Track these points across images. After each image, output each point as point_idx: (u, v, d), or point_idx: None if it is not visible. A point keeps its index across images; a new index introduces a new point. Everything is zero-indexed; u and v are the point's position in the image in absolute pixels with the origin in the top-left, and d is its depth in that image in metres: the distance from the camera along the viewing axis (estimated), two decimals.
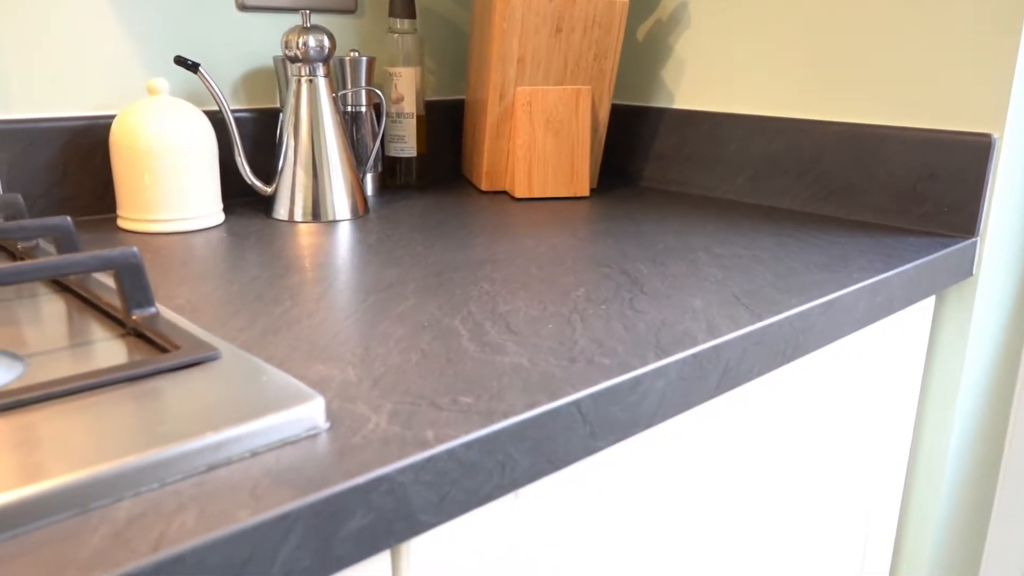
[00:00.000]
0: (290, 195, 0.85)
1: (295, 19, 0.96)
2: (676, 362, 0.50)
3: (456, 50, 1.13)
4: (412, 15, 1.00)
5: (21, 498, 0.31)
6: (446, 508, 0.40)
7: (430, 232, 0.81)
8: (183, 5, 0.88)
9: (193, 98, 0.91)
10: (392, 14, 1.00)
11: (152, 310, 0.50)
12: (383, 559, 0.40)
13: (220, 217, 0.83)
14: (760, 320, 0.57)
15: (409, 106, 1.02)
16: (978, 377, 0.87)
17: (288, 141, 0.85)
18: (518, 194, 0.96)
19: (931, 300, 0.83)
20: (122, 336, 0.50)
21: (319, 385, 0.45)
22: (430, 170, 1.12)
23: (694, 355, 0.51)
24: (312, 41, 0.83)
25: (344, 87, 0.96)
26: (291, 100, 0.85)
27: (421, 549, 0.42)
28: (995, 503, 0.96)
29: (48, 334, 0.50)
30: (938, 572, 0.92)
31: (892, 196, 0.86)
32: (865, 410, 0.78)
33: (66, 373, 0.44)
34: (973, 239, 0.80)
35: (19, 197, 0.64)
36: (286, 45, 0.83)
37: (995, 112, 0.79)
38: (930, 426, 0.87)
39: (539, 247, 0.75)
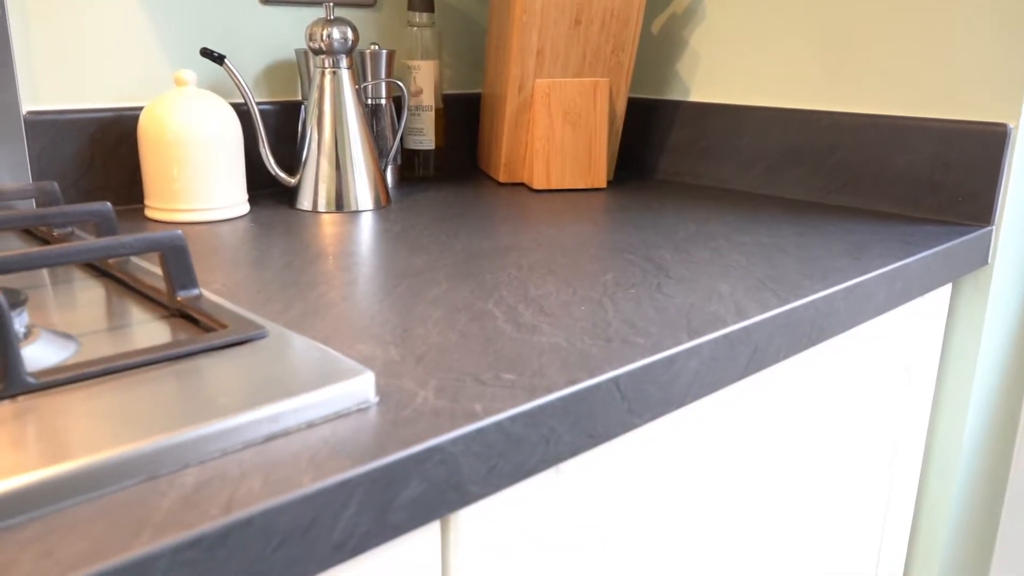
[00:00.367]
0: (314, 186, 0.87)
1: (317, 12, 0.97)
2: (708, 342, 0.51)
3: (472, 44, 1.14)
4: (430, 9, 1.01)
5: (96, 464, 0.32)
6: (493, 480, 0.41)
7: (453, 222, 0.82)
8: None
9: (217, 90, 0.92)
10: (411, 8, 1.01)
11: (196, 292, 0.51)
12: (433, 529, 0.41)
13: (245, 207, 0.84)
14: (787, 303, 0.58)
15: (428, 99, 1.03)
16: (993, 365, 0.88)
17: (312, 132, 0.86)
18: (536, 185, 0.97)
19: (947, 288, 0.85)
20: (166, 317, 0.51)
21: (364, 363, 0.46)
22: (447, 162, 1.13)
23: (725, 336, 0.53)
24: (336, 33, 0.84)
25: (364, 80, 0.97)
26: (315, 92, 0.86)
27: (469, 521, 0.43)
28: (1007, 489, 0.97)
29: (92, 316, 0.51)
30: (953, 553, 0.93)
31: (908, 186, 0.87)
32: (884, 395, 0.79)
33: (118, 351, 0.45)
34: (989, 228, 0.81)
35: (55, 185, 0.65)
36: (310, 37, 0.84)
37: (1011, 102, 0.80)
38: (946, 412, 0.88)
39: (562, 236, 0.76)
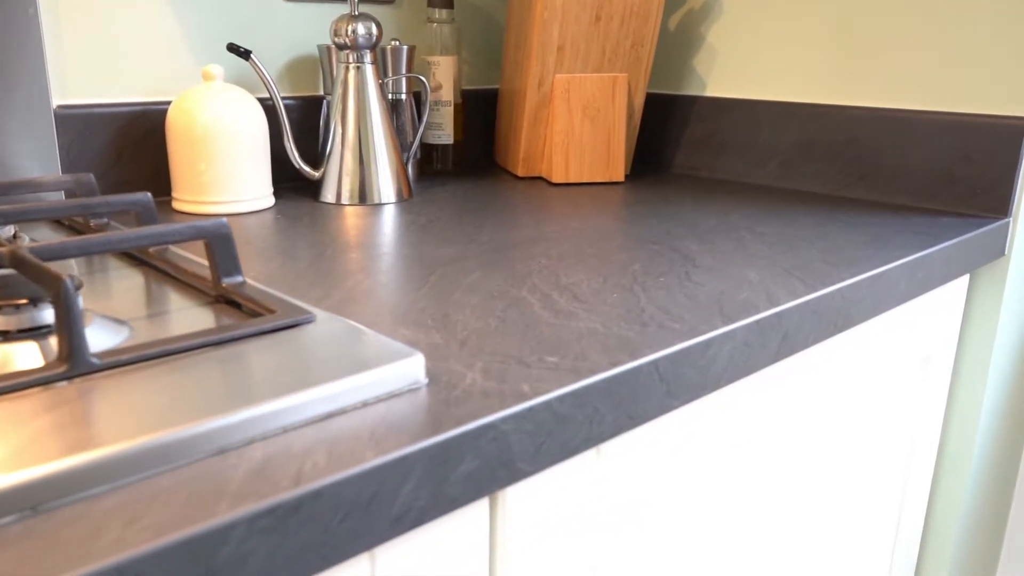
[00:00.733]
0: (337, 179, 0.88)
1: (338, 9, 0.98)
2: (741, 327, 0.53)
3: (488, 41, 1.16)
4: (450, 5, 1.03)
5: (170, 438, 0.33)
6: (541, 458, 0.42)
7: (476, 214, 0.83)
8: None
9: (240, 85, 0.93)
10: (430, 4, 1.02)
11: (239, 279, 0.52)
12: (482, 506, 0.42)
13: (271, 200, 0.85)
14: (815, 291, 0.59)
15: (447, 94, 1.04)
16: (1008, 355, 0.89)
17: (336, 126, 0.87)
18: (555, 179, 0.98)
19: (965, 280, 0.86)
20: (209, 303, 0.52)
21: (409, 347, 0.47)
22: (464, 157, 1.14)
23: (757, 321, 0.54)
24: (361, 28, 0.85)
25: (385, 75, 0.98)
26: (339, 87, 0.87)
27: (515, 498, 0.44)
28: (1018, 479, 0.98)
29: (137, 303, 0.52)
30: (965, 539, 0.95)
31: (925, 179, 0.88)
32: (904, 384, 0.80)
33: (169, 335, 0.46)
34: (1006, 220, 0.82)
35: (91, 176, 0.66)
36: (335, 32, 0.85)
37: None
38: (961, 401, 0.89)
39: (585, 227, 0.77)
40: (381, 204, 0.88)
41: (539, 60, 0.95)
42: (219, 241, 0.50)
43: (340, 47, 0.86)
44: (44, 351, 0.42)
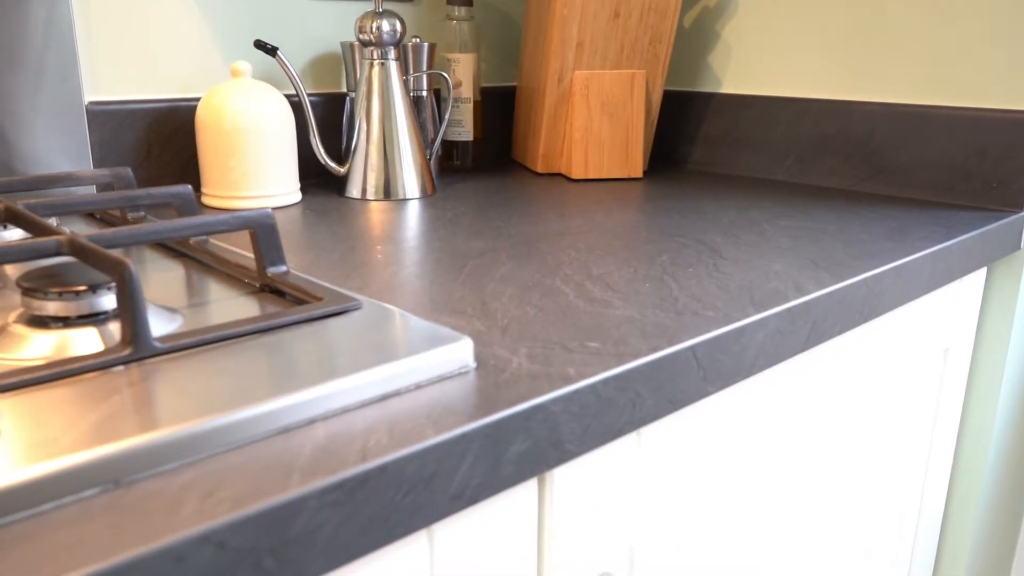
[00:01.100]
0: (363, 174, 0.89)
1: (361, 7, 1.00)
2: (773, 315, 0.54)
3: (505, 38, 1.17)
4: (469, 3, 1.04)
5: (238, 417, 0.35)
6: (587, 440, 0.43)
7: (501, 208, 0.84)
8: None
9: (265, 81, 0.94)
10: (450, 2, 1.03)
11: (284, 268, 0.53)
12: (531, 486, 0.44)
13: (298, 195, 0.87)
14: (841, 280, 0.60)
15: (466, 91, 1.05)
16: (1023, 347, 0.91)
17: (360, 123, 0.89)
18: (574, 175, 1.00)
19: (982, 273, 0.87)
20: (254, 292, 0.53)
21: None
22: (483, 154, 1.16)
23: (787, 310, 0.55)
24: (386, 25, 0.86)
25: (406, 73, 0.99)
26: (363, 84, 0.88)
27: (562, 478, 0.45)
28: None
29: (181, 292, 0.53)
30: (983, 529, 0.96)
31: (941, 173, 0.89)
32: (924, 375, 0.81)
33: (220, 322, 0.47)
34: (1021, 213, 0.84)
35: (129, 170, 0.67)
36: (360, 29, 0.87)
37: None
38: (979, 393, 0.90)
39: (609, 221, 0.78)
40: (406, 199, 0.89)
41: (558, 57, 0.96)
42: (265, 231, 0.52)
43: (365, 44, 0.87)
44: (103, 336, 0.43)
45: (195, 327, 0.46)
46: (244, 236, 0.71)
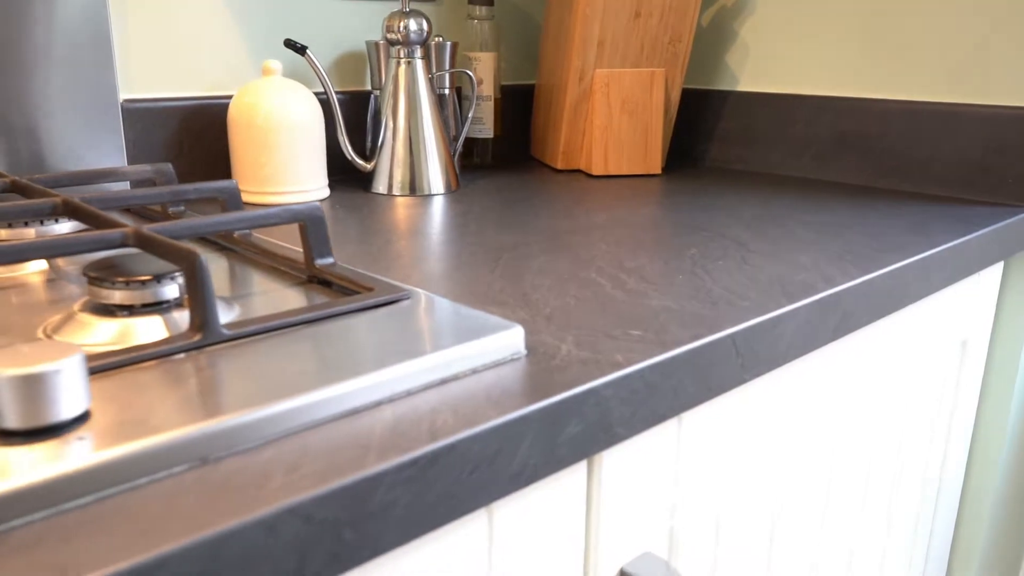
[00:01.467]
0: (389, 170, 0.90)
1: (384, 7, 1.01)
2: (805, 306, 0.55)
3: (524, 37, 1.18)
4: (490, 2, 1.05)
5: (309, 401, 0.36)
6: (635, 423, 0.45)
7: (525, 204, 0.85)
8: None
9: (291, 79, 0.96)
10: (471, 1, 1.05)
11: (331, 260, 0.55)
12: (581, 468, 0.45)
13: (327, 191, 0.88)
14: (868, 273, 0.62)
15: (487, 89, 1.07)
16: None
17: (387, 120, 0.90)
18: (595, 171, 1.01)
19: (998, 268, 0.89)
20: (301, 283, 0.55)
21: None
22: (502, 151, 1.17)
23: (818, 301, 0.57)
24: (413, 24, 0.88)
25: (430, 71, 1.01)
26: (390, 82, 0.90)
27: (610, 461, 0.47)
28: None
29: (229, 284, 0.55)
30: (996, 524, 0.98)
31: (958, 169, 0.91)
32: (943, 368, 0.83)
33: (276, 311, 0.48)
34: None
35: (169, 166, 0.69)
36: (388, 28, 0.88)
37: None
38: (995, 387, 0.92)
39: (634, 216, 0.80)
40: (431, 195, 0.91)
41: (580, 55, 0.98)
42: (314, 224, 0.53)
43: (392, 43, 0.89)
44: (167, 324, 0.45)
45: (251, 316, 0.48)
46: (281, 230, 0.72)
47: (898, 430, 0.79)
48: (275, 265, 0.59)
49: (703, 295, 0.56)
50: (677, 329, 0.49)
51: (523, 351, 0.45)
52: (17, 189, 0.60)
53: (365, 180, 0.93)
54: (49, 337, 0.44)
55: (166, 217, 0.70)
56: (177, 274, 0.46)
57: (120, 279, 0.45)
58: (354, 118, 1.01)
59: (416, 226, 0.76)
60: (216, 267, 0.59)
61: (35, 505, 0.29)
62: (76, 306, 0.46)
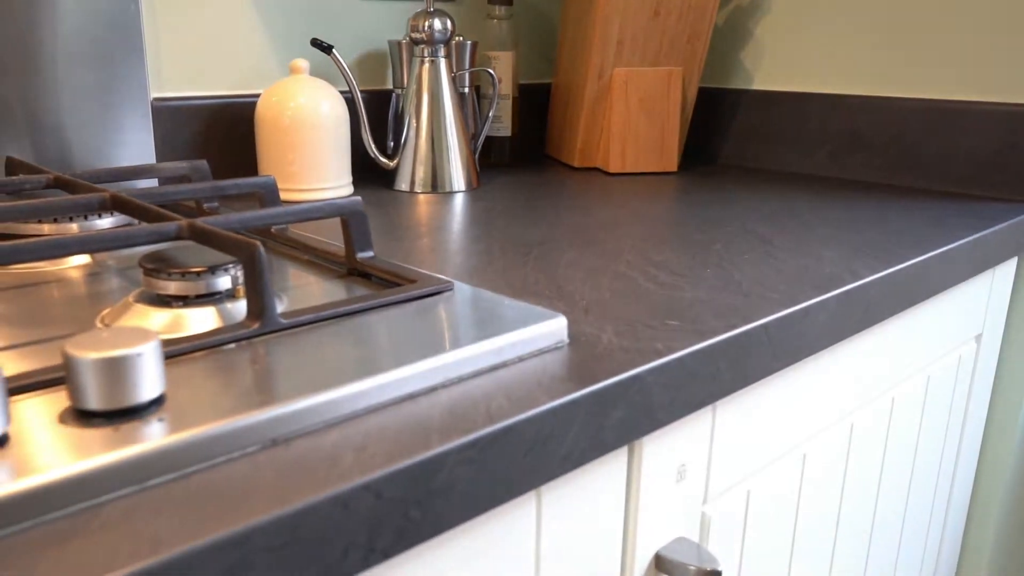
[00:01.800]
0: (411, 168, 0.92)
1: (407, 7, 1.03)
2: (832, 297, 0.57)
3: (540, 36, 1.20)
4: (509, 2, 1.07)
5: (369, 385, 0.38)
6: (675, 409, 0.46)
7: (547, 200, 0.87)
8: None
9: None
10: (491, 1, 1.07)
11: (371, 253, 0.56)
12: (622, 454, 0.47)
13: (351, 188, 0.90)
14: (891, 266, 0.63)
15: (505, 88, 1.08)
16: None
17: (410, 118, 0.92)
18: (612, 169, 1.03)
19: (1013, 263, 0.90)
20: (342, 276, 0.56)
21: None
22: (519, 149, 1.19)
23: (845, 293, 0.58)
24: (437, 24, 0.89)
25: (451, 70, 1.02)
26: (414, 81, 0.91)
27: (649, 446, 0.48)
28: None
29: (272, 277, 0.56)
30: (1011, 508, 0.99)
31: (973, 167, 0.92)
32: (959, 361, 0.85)
33: (319, 303, 0.50)
34: None
35: (205, 163, 0.70)
36: (413, 28, 0.90)
37: None
38: (1007, 379, 0.93)
39: (655, 212, 0.82)
40: (453, 192, 0.92)
41: (599, 54, 0.99)
42: (356, 218, 0.55)
43: (416, 42, 0.90)
44: (220, 314, 0.46)
45: (298, 307, 0.49)
46: (309, 225, 0.74)
47: (915, 422, 0.81)
48: (313, 259, 0.60)
49: (733, 287, 0.57)
50: (712, 319, 0.51)
51: (566, 340, 0.46)
52: (60, 185, 0.62)
53: (386, 178, 0.94)
54: (107, 326, 0.45)
55: (201, 213, 0.71)
56: (230, 265, 0.47)
57: (175, 270, 0.46)
58: (375, 117, 1.02)
59: (442, 222, 0.77)
60: None
61: (122, 482, 0.31)
62: (131, 296, 0.47)
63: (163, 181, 0.85)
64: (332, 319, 0.45)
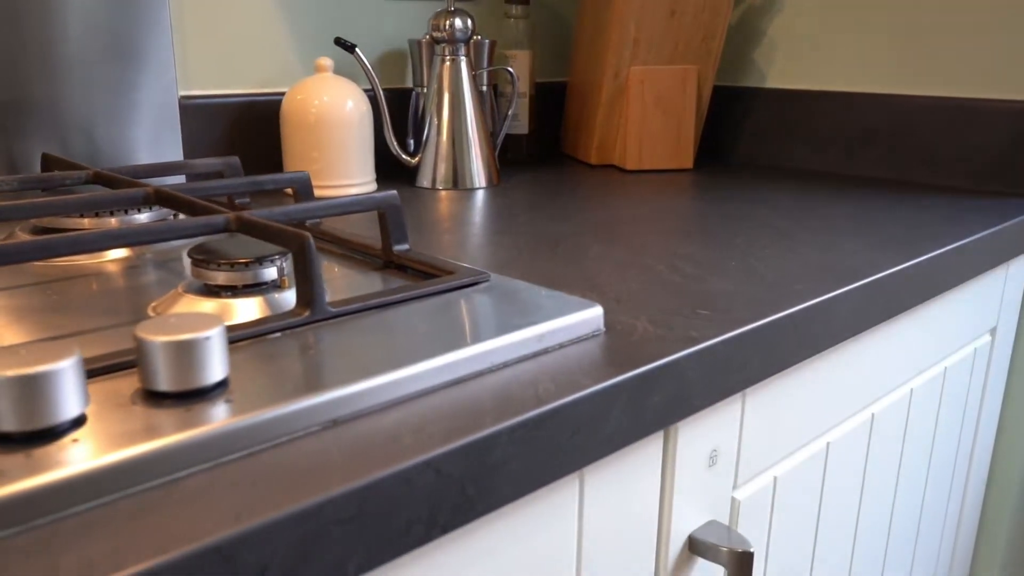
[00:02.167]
0: (433, 165, 0.93)
1: (427, 6, 1.04)
2: (855, 289, 0.58)
3: (556, 35, 1.21)
4: (526, 1, 1.08)
5: (421, 370, 0.39)
6: (709, 395, 0.48)
7: (567, 197, 0.88)
8: None
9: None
10: (508, 1, 1.08)
11: (406, 246, 0.57)
12: (658, 438, 0.48)
13: (374, 185, 0.91)
14: (911, 259, 0.65)
15: (522, 87, 1.10)
16: None
17: (432, 116, 0.93)
18: (629, 166, 1.04)
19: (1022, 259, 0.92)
20: (379, 268, 0.58)
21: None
22: (534, 147, 1.20)
23: (868, 284, 0.59)
24: (458, 23, 0.91)
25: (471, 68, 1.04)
26: (435, 79, 0.93)
27: (684, 431, 0.50)
28: None
29: None
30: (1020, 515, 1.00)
31: (986, 163, 0.94)
32: (975, 355, 0.86)
33: (360, 294, 0.51)
34: None
35: (237, 159, 0.72)
36: (434, 27, 0.91)
37: None
38: (1021, 373, 0.95)
39: (675, 208, 0.83)
40: (474, 189, 0.94)
41: (616, 53, 1.01)
42: (393, 212, 0.56)
43: (437, 40, 0.92)
44: (267, 303, 0.47)
45: (341, 297, 0.50)
46: (339, 219, 0.75)
47: (932, 413, 0.82)
48: (347, 252, 0.62)
49: (757, 279, 0.59)
50: (741, 309, 0.52)
51: (602, 328, 0.48)
52: (100, 180, 0.63)
53: (408, 175, 0.96)
54: (159, 315, 0.47)
55: (233, 208, 0.72)
56: (276, 256, 0.49)
57: (224, 262, 0.47)
58: (395, 115, 1.04)
59: (466, 218, 0.79)
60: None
61: (197, 459, 0.32)
62: (180, 287, 0.49)
63: (191, 178, 0.86)
64: (378, 308, 0.47)
